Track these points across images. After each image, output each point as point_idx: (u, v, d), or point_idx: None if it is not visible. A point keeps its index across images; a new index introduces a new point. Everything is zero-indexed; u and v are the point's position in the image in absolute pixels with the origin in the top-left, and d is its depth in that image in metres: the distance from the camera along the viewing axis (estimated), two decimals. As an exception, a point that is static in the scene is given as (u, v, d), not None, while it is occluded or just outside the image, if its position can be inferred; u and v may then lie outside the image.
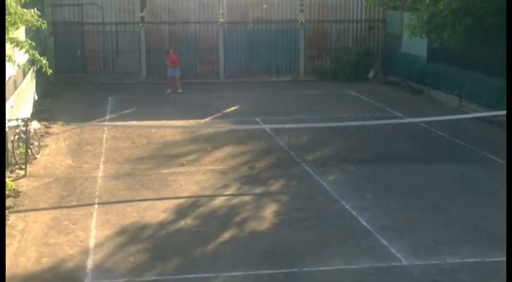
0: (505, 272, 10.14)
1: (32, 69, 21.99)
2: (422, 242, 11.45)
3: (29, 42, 14.06)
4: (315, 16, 31.22)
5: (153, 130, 19.26)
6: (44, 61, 14.34)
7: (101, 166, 16.18)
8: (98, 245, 11.29)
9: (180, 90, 27.22)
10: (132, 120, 21.22)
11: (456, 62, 23.82)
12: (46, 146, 17.94)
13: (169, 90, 27.22)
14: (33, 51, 14.13)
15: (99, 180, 15.02)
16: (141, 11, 30.52)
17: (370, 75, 30.68)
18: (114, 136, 18.93)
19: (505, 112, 19.08)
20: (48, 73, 14.71)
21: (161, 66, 29.37)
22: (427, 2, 22.79)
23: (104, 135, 19.10)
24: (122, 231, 11.98)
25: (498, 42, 21.12)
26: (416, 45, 26.34)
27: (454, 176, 15.40)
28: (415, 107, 24.03)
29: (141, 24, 30.38)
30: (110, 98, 25.68)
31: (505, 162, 16.40)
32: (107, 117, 22.20)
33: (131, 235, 11.82)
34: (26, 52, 14.03)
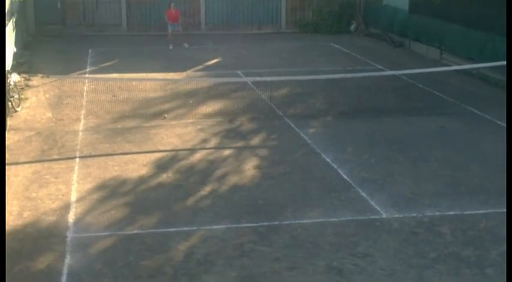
0: (483, 225, 10.35)
1: (11, 21, 21.71)
2: (402, 195, 11.57)
3: None
4: (297, -33, 30.97)
5: (134, 83, 19.17)
6: None
7: (82, 119, 16.13)
8: (80, 199, 11.33)
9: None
10: (112, 72, 21.12)
11: (437, 15, 23.78)
12: (26, 98, 17.84)
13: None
14: None
15: (80, 134, 14.98)
16: (121, -39, 30.13)
17: (352, 27, 30.59)
18: (95, 89, 18.84)
19: (484, 65, 19.24)
20: None
21: (142, 18, 29.14)
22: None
23: (85, 88, 19.00)
24: (103, 185, 12.01)
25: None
26: (398, -2, 26.26)
27: (434, 129, 15.50)
28: (397, 59, 24.05)
29: (121, -25, 30.01)
30: (90, 50, 25.48)
31: (485, 115, 16.56)
32: (87, 70, 22.06)
33: (113, 189, 11.86)
34: None
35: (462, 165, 13.11)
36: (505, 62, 18.35)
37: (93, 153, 13.72)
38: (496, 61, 18.89)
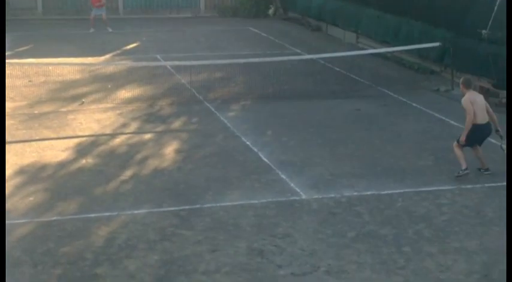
0: (400, 204, 10.65)
1: None
2: (320, 176, 11.79)
3: None
4: (215, -50, 30.91)
5: (50, 67, 18.84)
6: None
7: (-3, 105, 15.79)
8: (-3, 186, 11.13)
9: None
10: (29, 57, 20.67)
11: (354, -1, 24.16)
12: None
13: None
14: None
15: (-5, 120, 14.67)
16: None
17: (270, 11, 30.75)
18: (11, 74, 18.36)
19: (399, 48, 19.67)
20: None
21: (58, 2, 28.57)
22: None
23: (0, 74, 18.56)
24: (20, 172, 11.83)
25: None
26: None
27: (350, 112, 15.79)
28: (314, 43, 24.32)
29: (35, -43, 29.33)
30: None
31: (399, 97, 16.96)
32: (2, 55, 21.53)
33: (31, 175, 11.70)
34: None
35: (378, 146, 13.42)
36: (419, 45, 18.87)
37: (9, 140, 13.45)
38: (410, 44, 19.35)
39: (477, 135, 11.51)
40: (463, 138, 11.42)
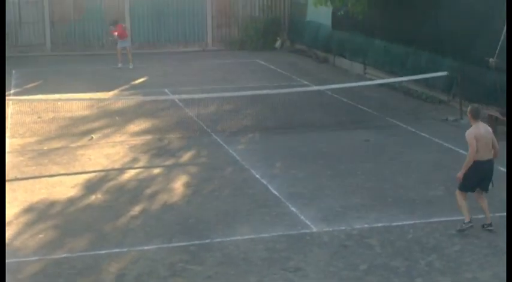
0: (411, 235, 10.58)
1: None
2: (331, 208, 11.74)
3: None
4: (222, -15, 31.18)
5: (59, 103, 18.94)
6: None
7: (7, 142, 15.84)
8: (7, 223, 11.08)
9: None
10: (37, 93, 20.79)
11: (360, 30, 24.21)
12: None
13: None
14: None
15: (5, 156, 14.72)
16: (44, -20, 29.77)
17: (277, 44, 30.92)
18: (20, 110, 18.53)
19: (407, 78, 19.70)
20: None
21: (67, 38, 28.84)
22: (332, -30, 23.04)
23: (9, 110, 18.64)
24: (30, 209, 11.82)
25: (400, 10, 21.59)
26: (321, 14, 26.60)
27: (359, 142, 15.77)
28: (321, 74, 24.39)
29: (44, -5, 29.65)
30: (13, 71, 25.02)
31: (408, 127, 16.94)
32: (12, 92, 21.66)
33: (40, 212, 11.69)
34: None
35: (388, 177, 13.37)
36: (426, 75, 18.89)
37: (19, 176, 13.49)
38: (417, 74, 19.38)
39: (477, 174, 10.53)
40: (460, 174, 10.58)
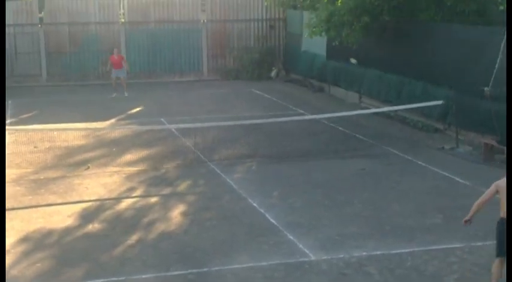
0: (409, 263, 10.56)
1: None
2: (329, 237, 11.71)
3: None
4: (217, 16, 31.33)
5: (55, 133, 18.94)
6: None
7: (3, 172, 15.82)
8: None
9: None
10: (33, 123, 20.81)
11: (355, 60, 24.35)
12: None
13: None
14: None
15: (1, 187, 14.68)
16: (40, 11, 29.91)
17: (273, 73, 31.05)
18: (16, 140, 18.52)
19: (402, 107, 19.76)
20: None
21: (62, 69, 28.95)
22: (325, 0, 23.23)
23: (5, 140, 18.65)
24: (27, 238, 11.77)
25: (394, 39, 21.75)
26: (316, 44, 26.77)
27: (356, 171, 15.78)
28: (317, 104, 24.47)
29: (39, 26, 29.76)
30: (9, 101, 25.02)
31: (404, 155, 16.97)
32: (8, 122, 21.64)
33: (37, 241, 11.63)
34: None
35: (385, 206, 13.37)
36: (422, 104, 18.96)
37: (15, 206, 13.44)
38: (413, 103, 19.46)
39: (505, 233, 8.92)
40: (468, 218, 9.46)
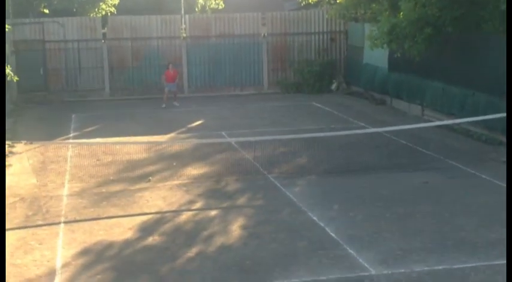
0: (472, 278, 10.31)
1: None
2: (390, 251, 11.52)
3: None
4: (277, 29, 31.39)
5: (118, 146, 19.17)
6: (8, 70, 14.51)
7: (66, 184, 16.06)
8: (65, 265, 11.20)
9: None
10: (96, 137, 21.12)
11: (417, 72, 24.05)
12: (10, 165, 17.75)
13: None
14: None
15: (64, 199, 14.90)
16: (103, 27, 30.45)
17: (333, 86, 30.89)
18: (79, 154, 18.82)
19: (466, 120, 19.42)
20: (14, 80, 14.86)
21: (125, 83, 29.38)
22: (387, 13, 23.04)
23: (69, 153, 18.97)
24: (88, 250, 11.89)
25: (457, 50, 21.43)
26: (377, 56, 26.60)
27: (418, 185, 15.53)
28: (378, 117, 24.24)
29: (103, 41, 30.28)
30: (73, 115, 25.53)
31: (468, 169, 16.64)
32: (71, 135, 22.06)
33: (98, 253, 11.74)
34: None
35: (448, 220, 13.11)
36: (486, 117, 18.59)
37: (77, 218, 13.62)
38: (476, 116, 19.11)
39: None
40: None
